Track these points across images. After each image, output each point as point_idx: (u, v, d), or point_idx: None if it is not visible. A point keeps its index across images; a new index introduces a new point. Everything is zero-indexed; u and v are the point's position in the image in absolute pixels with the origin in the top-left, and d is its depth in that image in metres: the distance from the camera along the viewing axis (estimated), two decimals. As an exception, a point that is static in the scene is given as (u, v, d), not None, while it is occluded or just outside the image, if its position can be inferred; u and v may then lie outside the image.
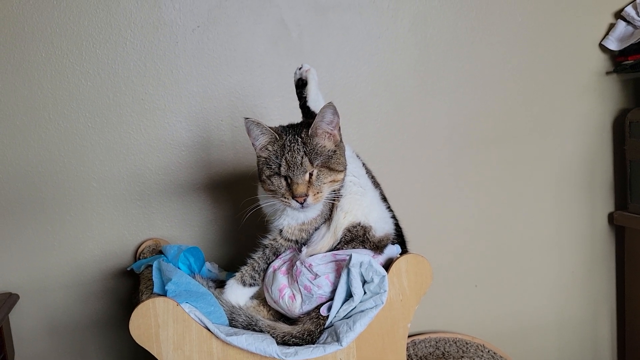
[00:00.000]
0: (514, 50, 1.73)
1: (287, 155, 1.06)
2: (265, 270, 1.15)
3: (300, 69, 1.17)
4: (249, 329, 1.06)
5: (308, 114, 1.15)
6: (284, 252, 1.16)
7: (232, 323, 1.07)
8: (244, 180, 1.52)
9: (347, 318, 1.06)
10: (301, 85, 1.16)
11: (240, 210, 1.16)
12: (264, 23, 1.49)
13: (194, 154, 1.48)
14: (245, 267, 1.16)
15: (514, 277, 1.84)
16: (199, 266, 1.29)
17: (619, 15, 1.81)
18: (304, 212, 1.11)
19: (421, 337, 1.71)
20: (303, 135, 1.07)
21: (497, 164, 1.77)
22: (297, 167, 1.05)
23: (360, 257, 1.03)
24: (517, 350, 1.84)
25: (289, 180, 1.06)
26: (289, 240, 1.14)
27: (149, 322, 0.99)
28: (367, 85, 1.61)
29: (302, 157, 1.05)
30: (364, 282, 1.07)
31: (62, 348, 1.45)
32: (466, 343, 1.71)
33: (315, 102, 1.15)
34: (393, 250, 1.16)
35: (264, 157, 1.10)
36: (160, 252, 1.36)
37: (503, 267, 1.82)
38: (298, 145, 1.06)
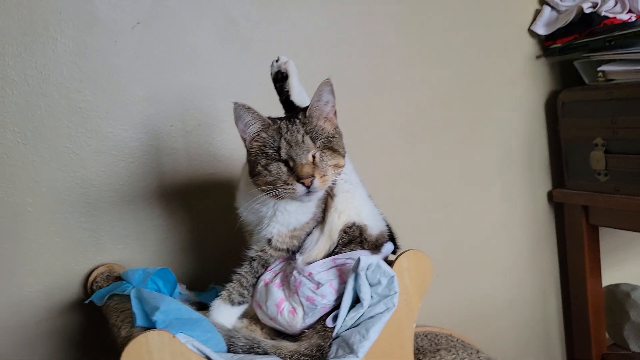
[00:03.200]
0: (453, 38, 1.75)
1: (286, 135, 0.96)
2: (254, 285, 1.05)
3: (277, 61, 1.08)
4: (251, 352, 0.95)
5: (292, 109, 1.06)
6: (273, 263, 1.06)
7: (231, 348, 0.95)
8: (200, 190, 1.39)
9: (355, 326, 0.99)
10: (281, 78, 1.07)
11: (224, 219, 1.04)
12: (211, 18, 1.37)
13: (143, 165, 1.33)
14: (231, 284, 1.05)
15: (470, 265, 1.86)
16: (170, 289, 1.15)
17: (543, 1, 1.88)
18: (294, 210, 1.02)
19: (392, 335, 1.67)
20: (300, 117, 0.99)
21: (445, 152, 1.77)
22: (299, 146, 0.96)
23: (369, 259, 0.96)
24: (478, 334, 1.86)
25: (290, 164, 0.96)
26: (279, 249, 1.05)
27: (143, 361, 0.85)
28: (318, 78, 1.53)
29: (303, 136, 0.96)
30: (370, 285, 1.00)
31: (5, 404, 1.25)
32: (436, 335, 1.69)
33: (300, 95, 1.07)
34: (388, 248, 1.10)
35: (257, 146, 0.99)
36: (118, 279, 1.21)
37: (460, 255, 1.83)
38: (297, 125, 0.98)
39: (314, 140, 0.97)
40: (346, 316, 0.98)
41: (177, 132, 1.36)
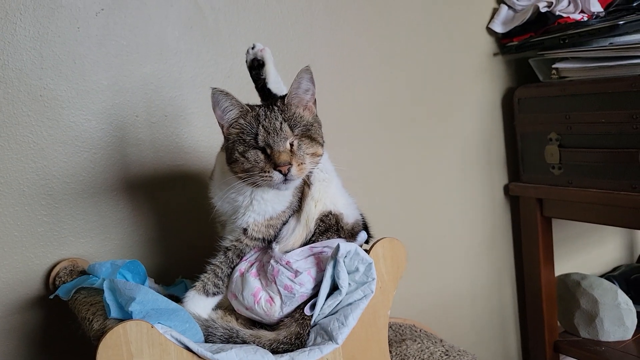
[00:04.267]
0: (413, 35, 1.78)
1: (264, 122, 0.95)
2: (229, 276, 1.04)
3: (253, 48, 1.06)
4: (229, 342, 0.94)
5: (269, 97, 1.05)
6: (248, 252, 1.05)
7: (209, 338, 0.94)
8: (166, 181, 1.36)
9: (333, 314, 0.99)
10: (257, 66, 1.06)
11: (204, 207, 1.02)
12: (177, 6, 1.34)
13: (107, 156, 1.28)
14: (205, 274, 1.03)
15: (430, 256, 1.89)
16: (140, 282, 1.12)
17: (501, 0, 1.94)
18: (270, 198, 1.01)
19: (358, 327, 1.68)
20: (279, 104, 0.98)
21: (407, 145, 1.80)
22: (277, 133, 0.95)
23: (348, 245, 0.97)
24: (438, 323, 1.90)
25: (268, 151, 0.95)
26: (255, 239, 1.04)
27: (121, 352, 0.82)
28: (286, 72, 1.50)
29: (282, 123, 0.95)
30: (347, 273, 1.00)
31: (-40, 407, 1.18)
32: (400, 326, 1.72)
33: (276, 84, 1.06)
34: (362, 236, 1.11)
35: (235, 133, 0.97)
36: (83, 273, 1.16)
37: (420, 247, 1.86)
38: (275, 113, 0.97)
39: (292, 128, 0.96)
40: (324, 304, 0.99)
41: (143, 123, 1.32)
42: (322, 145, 1.02)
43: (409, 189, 1.82)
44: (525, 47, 1.89)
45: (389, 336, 1.64)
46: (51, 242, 1.24)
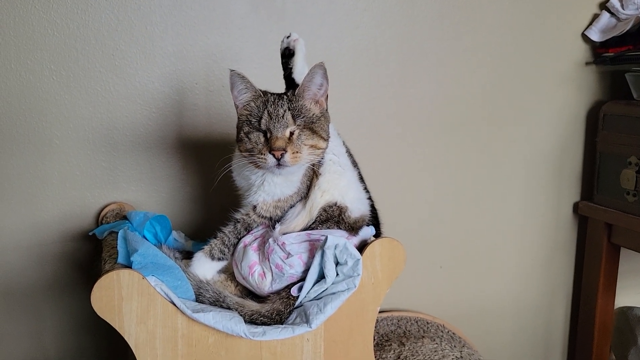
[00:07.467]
0: (497, 33, 1.71)
1: (269, 108, 1.02)
2: (235, 245, 1.12)
3: (288, 37, 1.11)
4: (216, 305, 1.03)
5: (292, 86, 1.10)
6: (255, 227, 1.12)
7: (199, 298, 1.03)
8: (215, 147, 1.46)
9: (318, 299, 1.04)
10: (288, 55, 1.11)
11: (215, 172, 1.12)
12: (247, -16, 1.42)
13: (164, 116, 1.41)
14: (214, 240, 1.12)
15: (478, 261, 1.85)
16: (165, 235, 1.24)
17: (603, 6, 1.80)
18: (280, 182, 1.07)
19: (384, 315, 1.72)
20: (289, 94, 1.04)
21: (471, 147, 1.76)
22: (279, 120, 1.01)
23: (336, 239, 1.01)
24: (475, 330, 1.87)
25: (268, 135, 1.02)
26: (262, 216, 1.11)
27: (112, 294, 0.94)
28: (348, 59, 1.56)
29: (285, 111, 1.02)
30: (337, 264, 1.04)
31: (15, 310, 1.40)
32: (427, 323, 1.72)
33: (301, 75, 1.10)
34: (367, 232, 1.14)
35: (245, 114, 1.05)
36: (125, 218, 1.31)
37: (468, 250, 1.83)
38: (282, 101, 1.03)
39: (294, 117, 1.02)
40: (311, 289, 1.04)
41: (201, 90, 1.43)
42: (325, 140, 1.05)
43: (470, 189, 1.78)
44: (620, 60, 1.75)
45: (411, 330, 1.66)
46: (106, 185, 1.40)
